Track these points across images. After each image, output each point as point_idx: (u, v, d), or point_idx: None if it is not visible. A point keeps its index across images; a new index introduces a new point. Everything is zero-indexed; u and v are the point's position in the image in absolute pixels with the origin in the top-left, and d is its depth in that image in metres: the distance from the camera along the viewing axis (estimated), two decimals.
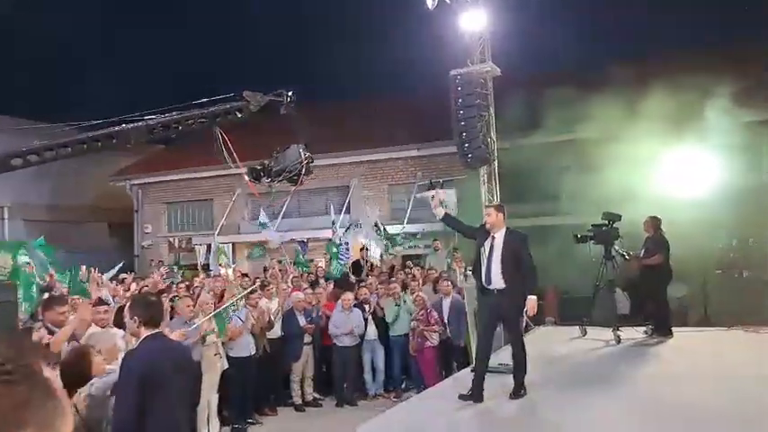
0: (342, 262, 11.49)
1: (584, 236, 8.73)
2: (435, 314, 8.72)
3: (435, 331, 8.72)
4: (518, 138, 12.03)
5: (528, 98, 11.78)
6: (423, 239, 14.50)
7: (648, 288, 8.57)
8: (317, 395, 8.80)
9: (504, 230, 5.76)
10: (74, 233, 18.62)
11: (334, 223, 13.60)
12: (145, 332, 3.59)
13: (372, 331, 9.07)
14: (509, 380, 6.24)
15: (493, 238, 5.72)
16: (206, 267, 14.47)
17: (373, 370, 9.09)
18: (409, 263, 12.48)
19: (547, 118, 12.02)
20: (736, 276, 11.29)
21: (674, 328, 8.41)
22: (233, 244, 16.59)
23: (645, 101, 10.65)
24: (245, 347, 7.62)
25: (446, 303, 8.60)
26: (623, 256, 8.62)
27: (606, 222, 8.57)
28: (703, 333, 8.71)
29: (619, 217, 8.59)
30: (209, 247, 16.29)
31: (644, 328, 8.51)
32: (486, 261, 5.71)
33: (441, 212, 5.99)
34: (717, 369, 6.51)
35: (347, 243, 12.62)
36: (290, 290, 10.06)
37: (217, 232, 16.97)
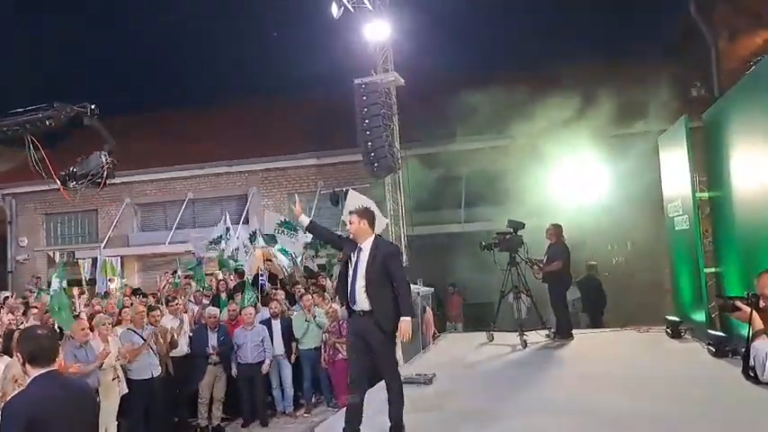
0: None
1: (490, 243, 8.95)
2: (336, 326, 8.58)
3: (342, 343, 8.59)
4: (423, 146, 12.21)
5: (431, 107, 12.02)
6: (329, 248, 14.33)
7: (550, 293, 8.93)
8: (224, 416, 8.34)
9: (371, 240, 4.87)
10: None
11: (228, 230, 13.04)
12: (33, 371, 3.05)
13: (278, 346, 8.78)
14: (426, 390, 6.26)
15: (360, 249, 4.85)
16: (92, 282, 13.43)
17: (281, 386, 8.79)
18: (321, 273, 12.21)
19: (452, 126, 12.34)
20: (621, 279, 12.14)
21: (573, 331, 8.86)
22: (121, 257, 15.51)
23: (537, 111, 11.20)
24: (147, 368, 7.08)
25: None
26: (526, 262, 8.93)
27: (511, 230, 8.83)
28: (602, 334, 9.21)
29: (522, 225, 8.90)
30: (94, 260, 15.16)
31: (546, 332, 8.86)
32: (351, 277, 4.85)
33: (305, 221, 5.15)
34: (622, 368, 6.85)
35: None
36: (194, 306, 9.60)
37: (103, 245, 15.83)
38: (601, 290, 11.73)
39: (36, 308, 9.11)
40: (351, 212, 4.96)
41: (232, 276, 11.51)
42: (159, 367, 7.26)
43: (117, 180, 16.15)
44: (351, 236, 4.95)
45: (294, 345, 8.86)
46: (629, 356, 7.58)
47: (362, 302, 4.78)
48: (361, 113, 10.95)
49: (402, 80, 11.64)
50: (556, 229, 8.93)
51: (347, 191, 14.51)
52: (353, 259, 4.84)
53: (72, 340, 6.16)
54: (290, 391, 8.73)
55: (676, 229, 8.72)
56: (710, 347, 7.01)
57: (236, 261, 12.04)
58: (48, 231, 17.29)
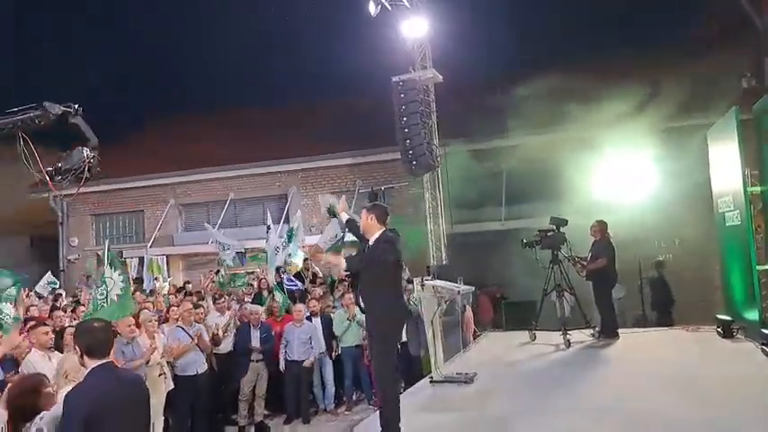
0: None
1: (531, 241, 8.81)
2: None
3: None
4: (462, 143, 12.10)
5: (470, 103, 11.91)
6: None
7: (594, 291, 8.74)
8: (267, 412, 8.43)
9: (376, 236, 4.65)
10: None
11: (269, 228, 13.16)
12: (90, 363, 3.20)
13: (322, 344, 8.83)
14: (467, 389, 6.19)
15: (368, 246, 4.70)
16: (139, 281, 13.78)
17: (322, 384, 8.84)
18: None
19: (485, 123, 12.19)
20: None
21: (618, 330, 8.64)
22: (167, 256, 15.90)
23: (574, 108, 10.97)
24: (193, 365, 7.22)
25: None
26: (569, 260, 8.76)
27: (553, 227, 8.68)
28: (647, 333, 8.96)
29: (565, 222, 8.73)
30: (141, 260, 15.59)
31: (590, 331, 8.67)
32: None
33: (345, 217, 5.02)
34: (670, 369, 6.64)
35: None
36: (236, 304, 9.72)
37: (149, 244, 16.24)
38: (668, 287, 11.43)
39: (84, 305, 9.40)
40: (363, 207, 4.89)
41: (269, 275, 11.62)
42: (205, 364, 7.40)
43: (162, 181, 16.79)
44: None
45: (335, 343, 8.91)
46: (677, 356, 7.35)
47: (360, 301, 4.83)
48: (399, 111, 10.94)
49: (440, 77, 11.58)
50: (600, 226, 8.73)
51: (385, 189, 14.67)
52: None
53: (119, 337, 6.31)
54: (331, 388, 8.77)
55: (727, 224, 8.41)
56: (765, 347, 6.75)
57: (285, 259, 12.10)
58: (97, 231, 17.84)
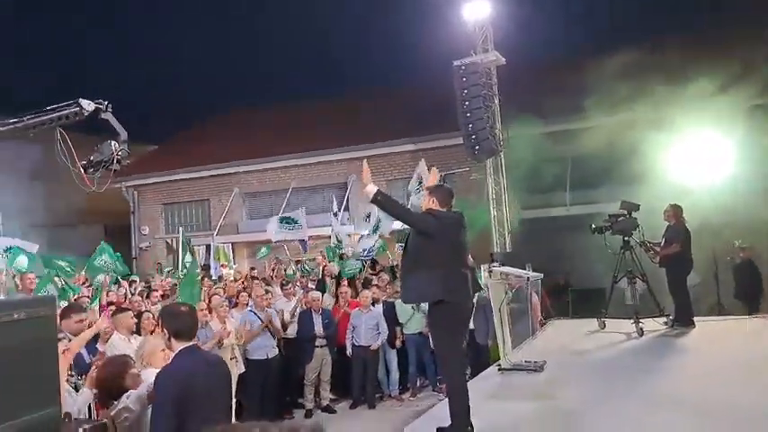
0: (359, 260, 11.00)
1: (601, 226, 8.53)
2: None
3: None
4: (524, 127, 11.79)
5: (533, 86, 11.60)
6: None
7: (668, 278, 8.40)
8: (332, 396, 8.54)
9: None
10: (69, 237, 18.30)
11: (336, 215, 13.26)
12: (177, 345, 3.33)
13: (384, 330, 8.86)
14: (537, 378, 6.06)
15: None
16: (206, 268, 14.20)
17: (387, 370, 8.89)
18: None
19: (553, 106, 11.84)
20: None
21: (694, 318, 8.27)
22: (232, 244, 16.33)
23: (653, 86, 10.47)
24: (264, 349, 7.39)
25: None
26: (641, 245, 8.43)
27: (624, 212, 8.37)
28: (726, 322, 8.55)
29: (637, 206, 8.40)
30: (208, 247, 16.07)
31: (664, 319, 8.34)
32: None
33: (372, 189, 4.33)
34: (749, 359, 6.30)
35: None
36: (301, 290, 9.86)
37: (216, 232, 16.71)
38: (758, 275, 10.87)
39: (156, 290, 9.78)
40: (426, 189, 4.74)
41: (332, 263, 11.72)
42: (275, 349, 7.56)
43: (226, 171, 17.20)
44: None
45: (399, 329, 8.92)
46: (757, 347, 6.97)
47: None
48: (461, 96, 10.76)
49: (503, 59, 11.31)
50: (675, 210, 8.35)
51: (446, 175, 14.51)
52: None
53: None
54: (395, 374, 8.80)
55: None
56: None
57: (339, 248, 12.24)
58: (166, 220, 18.50)
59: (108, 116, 6.18)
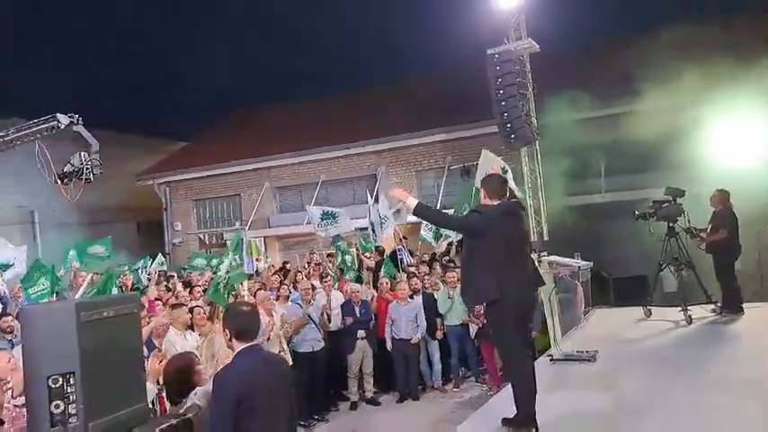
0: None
1: (645, 213, 8.41)
2: (480, 306, 8.46)
3: (475, 323, 8.52)
4: (559, 114, 11.65)
5: (567, 72, 11.45)
6: None
7: (715, 265, 8.26)
8: (375, 389, 8.56)
9: None
10: (103, 234, 18.59)
11: (370, 210, 13.20)
12: (238, 345, 3.30)
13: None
14: (591, 368, 6.01)
15: None
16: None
17: (429, 362, 8.88)
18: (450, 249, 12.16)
19: (589, 92, 11.65)
20: None
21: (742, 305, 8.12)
22: (264, 238, 16.43)
23: (692, 67, 10.24)
24: (311, 342, 7.44)
25: None
26: (687, 232, 8.29)
27: (669, 198, 8.24)
28: None
29: (682, 192, 8.26)
30: (240, 242, 16.19)
31: (712, 307, 8.21)
32: None
33: (413, 203, 4.37)
34: None
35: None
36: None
37: (247, 227, 16.83)
38: None
39: (199, 286, 9.89)
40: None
41: (368, 255, 11.72)
42: (321, 342, 7.60)
43: (257, 166, 17.30)
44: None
45: (440, 320, 8.89)
46: None
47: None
48: (495, 84, 10.64)
49: (537, 46, 11.16)
50: (722, 195, 8.20)
51: (476, 165, 14.39)
52: None
53: None
54: (438, 366, 8.79)
55: None
56: None
57: (370, 241, 12.23)
58: (198, 216, 18.70)
59: (79, 128, 6.41)
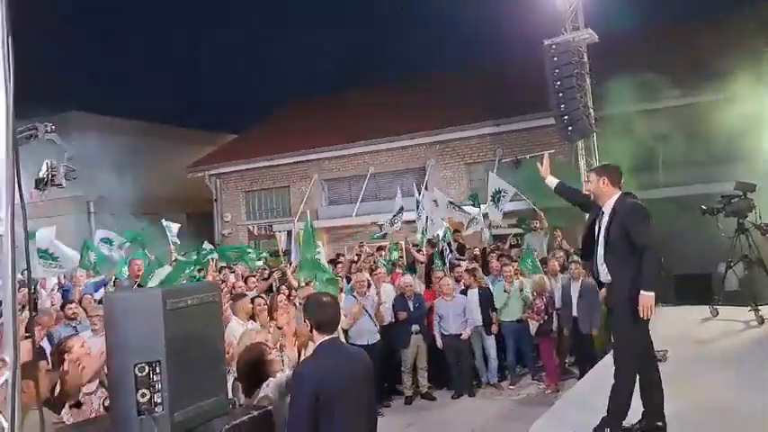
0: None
1: (713, 208, 8.08)
2: (540, 303, 8.31)
3: (535, 320, 8.35)
4: (618, 106, 11.30)
5: (625, 62, 11.05)
6: (506, 219, 14.02)
7: None
8: (429, 384, 8.47)
9: (613, 200, 4.26)
10: (155, 225, 19.04)
11: (402, 209, 13.04)
12: (319, 337, 3.21)
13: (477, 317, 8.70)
14: (662, 368, 5.76)
15: (601, 213, 4.34)
16: (287, 253, 14.42)
17: (485, 357, 8.74)
18: (500, 244, 11.96)
19: (645, 84, 11.26)
20: None
21: None
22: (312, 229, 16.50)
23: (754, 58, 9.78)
24: (365, 335, 7.40)
25: (575, 287, 8.05)
26: (758, 228, 7.93)
27: (740, 193, 7.88)
28: None
29: (753, 187, 7.89)
30: (289, 233, 16.33)
31: None
32: (595, 245, 4.37)
33: (553, 181, 4.77)
34: None
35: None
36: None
37: (296, 219, 16.93)
38: None
39: (254, 275, 10.00)
40: (589, 170, 4.56)
41: (419, 249, 11.60)
42: (377, 335, 7.56)
43: (306, 158, 17.38)
44: (592, 198, 4.47)
45: (495, 315, 8.73)
46: None
47: (603, 273, 4.30)
48: (552, 76, 10.39)
49: (596, 36, 10.84)
50: None
51: (530, 158, 14.12)
52: (597, 225, 4.36)
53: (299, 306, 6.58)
54: (494, 362, 8.64)
55: None
56: None
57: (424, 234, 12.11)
58: (247, 207, 18.94)
59: (52, 136, 6.61)
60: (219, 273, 11.98)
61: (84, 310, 7.49)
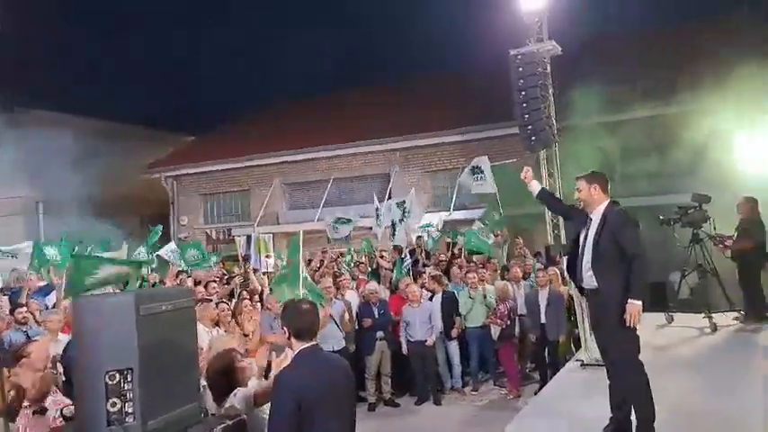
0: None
1: (670, 218, 8.32)
2: (503, 308, 8.39)
3: (498, 324, 8.43)
4: (580, 117, 11.56)
5: (588, 75, 11.32)
6: (465, 225, 14.18)
7: (740, 272, 8.17)
8: (393, 391, 8.43)
9: (603, 207, 4.33)
10: (107, 227, 18.44)
11: (378, 211, 13.07)
12: (298, 345, 3.14)
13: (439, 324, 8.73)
14: None
15: (590, 220, 4.36)
16: (246, 258, 14.20)
17: (448, 363, 8.77)
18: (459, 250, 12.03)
19: (607, 95, 11.57)
20: None
21: None
22: (273, 234, 16.28)
23: (720, 70, 10.11)
24: (331, 341, 7.30)
25: (542, 295, 8.13)
26: (712, 239, 8.21)
27: (695, 204, 8.15)
28: None
29: (708, 198, 8.17)
30: (248, 238, 16.05)
31: (735, 314, 8.12)
32: (580, 251, 4.39)
33: (536, 187, 4.84)
34: None
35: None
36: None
37: (256, 223, 16.70)
38: None
39: (214, 282, 9.77)
40: (577, 177, 4.47)
41: (385, 255, 11.59)
42: (342, 341, 7.47)
43: (267, 161, 17.16)
44: (580, 205, 4.50)
45: (458, 320, 8.77)
46: None
47: (589, 280, 4.32)
48: (517, 86, 10.49)
49: (559, 49, 11.01)
50: (749, 203, 8.11)
51: (492, 167, 14.29)
52: (583, 231, 4.38)
53: (268, 311, 6.46)
54: (457, 368, 8.67)
55: None
56: None
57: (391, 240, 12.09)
58: (205, 211, 18.56)
59: None
60: (177, 278, 11.75)
61: (32, 315, 7.24)
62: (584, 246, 4.36)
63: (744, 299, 8.20)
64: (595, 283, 4.27)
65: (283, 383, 3.01)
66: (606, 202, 4.37)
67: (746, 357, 6.41)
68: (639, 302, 4.08)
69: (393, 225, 11.70)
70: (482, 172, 11.72)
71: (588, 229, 4.35)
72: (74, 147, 17.14)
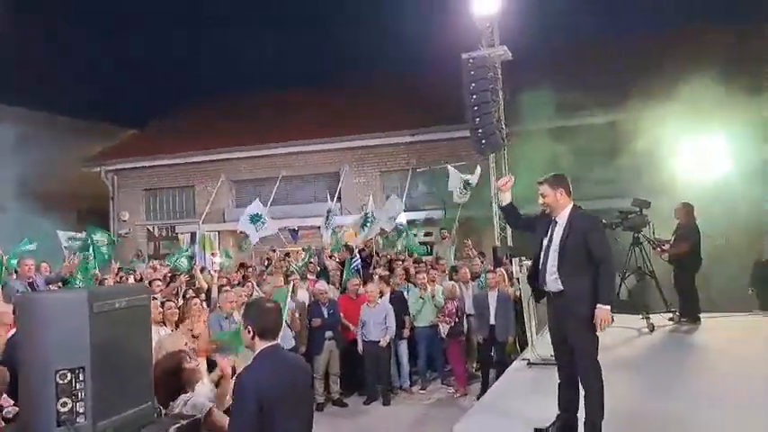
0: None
1: (612, 222, 8.61)
2: (451, 306, 8.51)
3: (446, 323, 8.54)
4: (529, 122, 11.83)
5: (537, 81, 11.61)
6: (421, 228, 14.32)
7: (676, 275, 8.55)
8: (341, 390, 8.42)
9: (568, 211, 4.33)
10: (42, 222, 17.63)
11: (329, 212, 13.01)
12: (260, 344, 3.11)
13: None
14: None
15: (555, 223, 4.36)
16: (191, 257, 13.86)
17: (397, 363, 8.81)
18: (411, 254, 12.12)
19: (557, 101, 11.87)
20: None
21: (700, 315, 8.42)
22: (218, 232, 15.96)
23: (661, 80, 10.52)
24: (284, 341, 7.19)
25: (492, 296, 8.25)
26: (650, 242, 8.56)
27: (636, 209, 8.48)
28: (729, 319, 8.72)
29: (648, 204, 8.50)
30: (192, 235, 15.65)
31: (670, 315, 8.48)
32: (543, 254, 4.39)
33: (506, 199, 4.63)
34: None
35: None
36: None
37: (201, 220, 16.31)
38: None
39: (158, 280, 9.47)
40: (540, 182, 4.43)
41: (334, 255, 11.55)
42: (292, 341, 7.39)
43: (213, 157, 16.79)
44: (546, 210, 4.46)
45: (408, 320, 8.83)
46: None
47: (553, 283, 4.32)
48: (469, 89, 10.71)
49: (510, 54, 11.31)
50: (685, 209, 8.49)
51: (441, 169, 14.46)
52: (548, 234, 4.37)
53: (219, 311, 6.33)
54: (406, 367, 8.73)
55: None
56: None
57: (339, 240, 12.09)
58: (147, 206, 17.99)
59: None
60: (117, 275, 11.35)
61: None
62: (547, 249, 4.38)
63: (679, 300, 8.59)
64: (560, 286, 4.29)
65: (245, 385, 2.96)
66: (570, 206, 4.39)
67: (681, 357, 6.72)
68: (608, 307, 4.14)
69: (364, 222, 11.60)
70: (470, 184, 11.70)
71: (552, 233, 4.37)
72: (9, 138, 16.32)
